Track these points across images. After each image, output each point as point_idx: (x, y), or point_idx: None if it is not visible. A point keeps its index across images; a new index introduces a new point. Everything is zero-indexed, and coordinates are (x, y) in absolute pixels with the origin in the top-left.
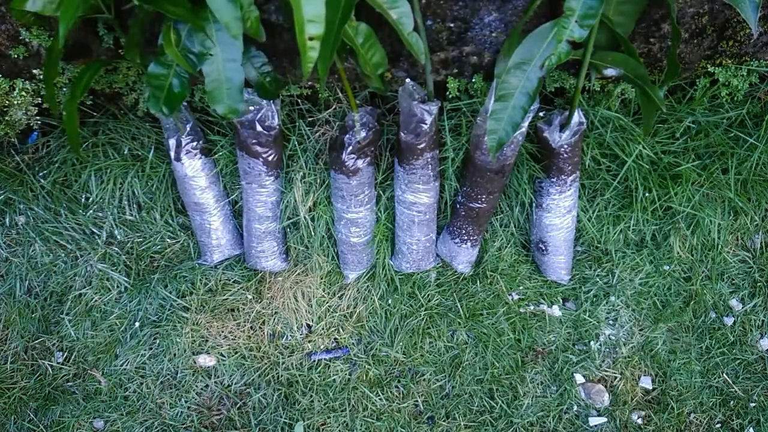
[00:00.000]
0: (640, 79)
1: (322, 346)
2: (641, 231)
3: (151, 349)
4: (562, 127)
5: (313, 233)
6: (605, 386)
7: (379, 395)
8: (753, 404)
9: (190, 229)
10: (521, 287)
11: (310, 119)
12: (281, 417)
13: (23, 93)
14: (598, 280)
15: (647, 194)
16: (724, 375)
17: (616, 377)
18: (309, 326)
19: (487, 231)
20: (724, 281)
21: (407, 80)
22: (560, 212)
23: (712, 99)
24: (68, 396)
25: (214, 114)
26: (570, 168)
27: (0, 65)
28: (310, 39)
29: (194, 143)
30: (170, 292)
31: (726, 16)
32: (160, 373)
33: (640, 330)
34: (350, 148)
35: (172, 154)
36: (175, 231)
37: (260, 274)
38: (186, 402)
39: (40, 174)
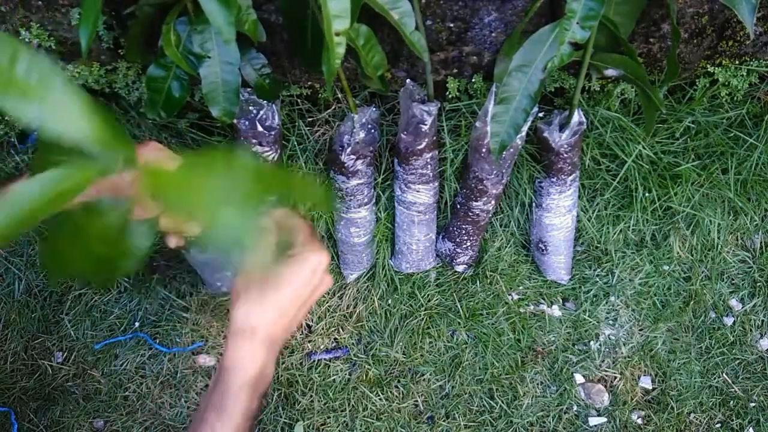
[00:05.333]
0: (639, 80)
1: (322, 346)
2: (641, 231)
3: (150, 349)
4: (562, 126)
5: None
6: (605, 386)
7: (379, 395)
8: (753, 404)
9: None
10: (521, 287)
11: (309, 119)
12: (281, 417)
13: None
14: (597, 280)
15: (647, 194)
16: (724, 375)
17: (615, 377)
18: (309, 326)
19: (487, 231)
20: (724, 281)
21: (408, 81)
22: (560, 212)
23: (711, 99)
24: (68, 396)
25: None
26: (570, 168)
27: None
28: (337, 34)
29: None
30: (170, 292)
31: (726, 16)
32: (159, 373)
33: (640, 330)
34: (349, 148)
35: None
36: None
37: None
38: (186, 402)
39: None
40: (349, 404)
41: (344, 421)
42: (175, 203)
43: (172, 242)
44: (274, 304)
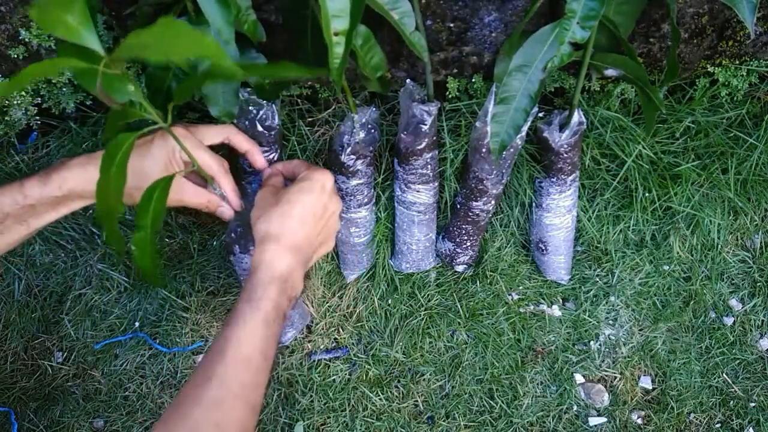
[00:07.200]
0: (640, 80)
1: (322, 346)
2: (641, 231)
3: (150, 349)
4: (562, 126)
5: None
6: (605, 386)
7: (379, 395)
8: (753, 404)
9: (188, 229)
10: (521, 287)
11: (309, 119)
12: (281, 417)
13: (23, 93)
14: (597, 280)
15: (647, 194)
16: (724, 375)
17: (615, 377)
18: (309, 326)
19: (487, 231)
20: (724, 281)
21: (408, 81)
22: (560, 212)
23: (711, 99)
24: (68, 396)
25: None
26: (570, 168)
27: (0, 65)
28: (336, 34)
29: None
30: (170, 292)
31: (726, 16)
32: (159, 373)
33: (640, 330)
34: (349, 149)
35: None
36: (173, 230)
37: None
38: None
39: None
40: (349, 404)
41: (344, 421)
42: (156, 50)
43: (226, 215)
44: (291, 214)
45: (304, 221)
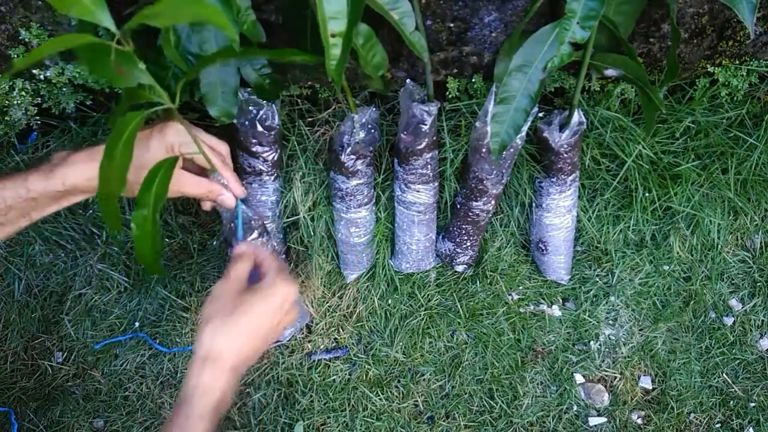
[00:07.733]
0: (640, 80)
1: (322, 346)
2: (641, 231)
3: (150, 348)
4: (562, 126)
5: (312, 233)
6: (605, 386)
7: (379, 395)
8: (753, 404)
9: (188, 229)
10: (521, 287)
11: (309, 119)
12: (281, 417)
13: (23, 93)
14: (597, 280)
15: (647, 194)
16: (724, 375)
17: (615, 377)
18: (309, 326)
19: (487, 231)
20: (724, 281)
21: (408, 81)
22: (560, 212)
23: (711, 99)
24: (68, 396)
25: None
26: (570, 168)
27: (0, 65)
28: (333, 36)
29: None
30: (170, 292)
31: (726, 16)
32: (159, 373)
33: (640, 330)
34: (349, 149)
35: None
36: (174, 230)
37: None
38: None
39: None
40: (349, 404)
41: (344, 421)
42: (164, 17)
43: (207, 205)
44: (241, 330)
45: (254, 336)
